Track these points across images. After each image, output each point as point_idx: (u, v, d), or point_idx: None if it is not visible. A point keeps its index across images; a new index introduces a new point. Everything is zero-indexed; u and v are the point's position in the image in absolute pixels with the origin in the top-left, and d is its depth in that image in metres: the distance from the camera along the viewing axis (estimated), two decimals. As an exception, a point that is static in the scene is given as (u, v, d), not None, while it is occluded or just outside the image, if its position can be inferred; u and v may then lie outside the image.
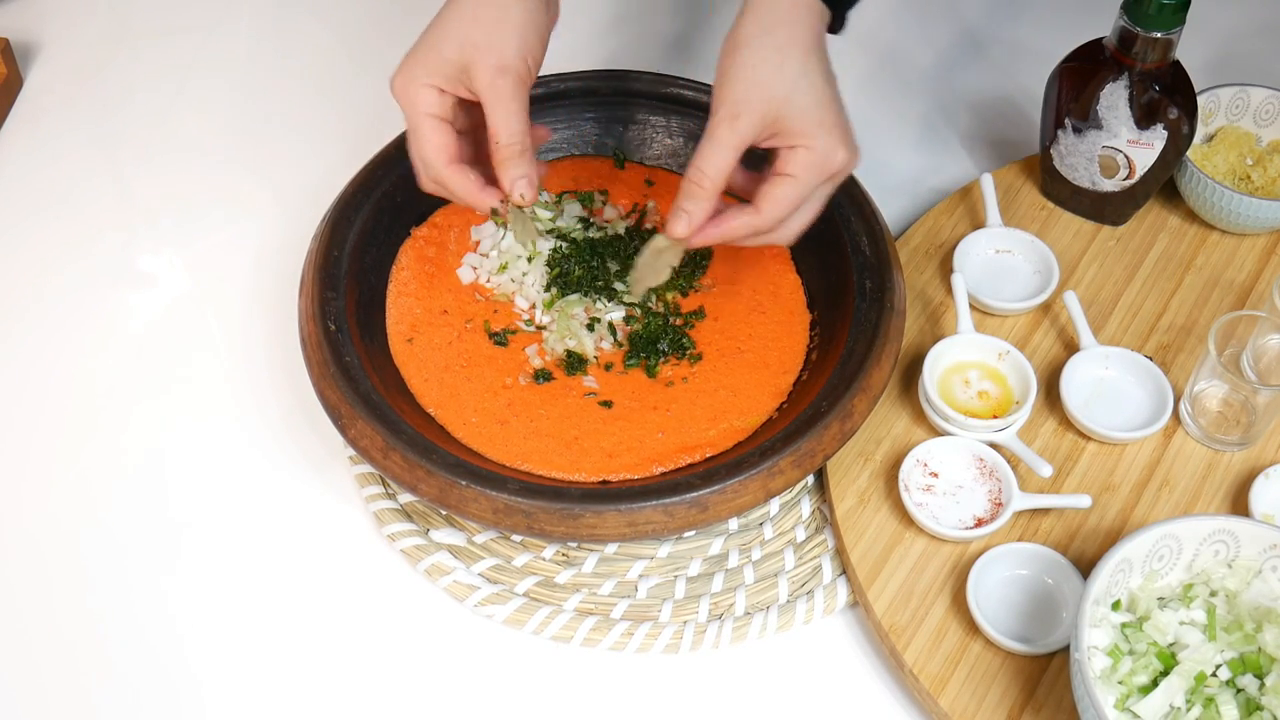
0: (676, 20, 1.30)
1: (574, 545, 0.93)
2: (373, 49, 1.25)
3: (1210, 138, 1.12)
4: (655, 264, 0.94)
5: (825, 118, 0.86)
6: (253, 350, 1.04)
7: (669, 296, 1.00)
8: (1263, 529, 0.84)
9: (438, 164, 0.89)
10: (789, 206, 0.87)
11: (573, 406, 0.94)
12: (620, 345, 0.98)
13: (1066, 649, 0.86)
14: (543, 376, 0.96)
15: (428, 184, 0.91)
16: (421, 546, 0.93)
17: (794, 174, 0.87)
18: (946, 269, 1.06)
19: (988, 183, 1.09)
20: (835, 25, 0.89)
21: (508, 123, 0.88)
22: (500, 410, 0.94)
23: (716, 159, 0.87)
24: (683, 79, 1.09)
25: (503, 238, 1.02)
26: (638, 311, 0.99)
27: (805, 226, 0.91)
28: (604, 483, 0.91)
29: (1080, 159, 1.06)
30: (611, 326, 0.98)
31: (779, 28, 0.86)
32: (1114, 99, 1.01)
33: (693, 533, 0.93)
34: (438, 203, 1.05)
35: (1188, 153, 1.05)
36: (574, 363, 0.96)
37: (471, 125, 0.92)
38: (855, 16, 0.90)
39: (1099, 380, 0.99)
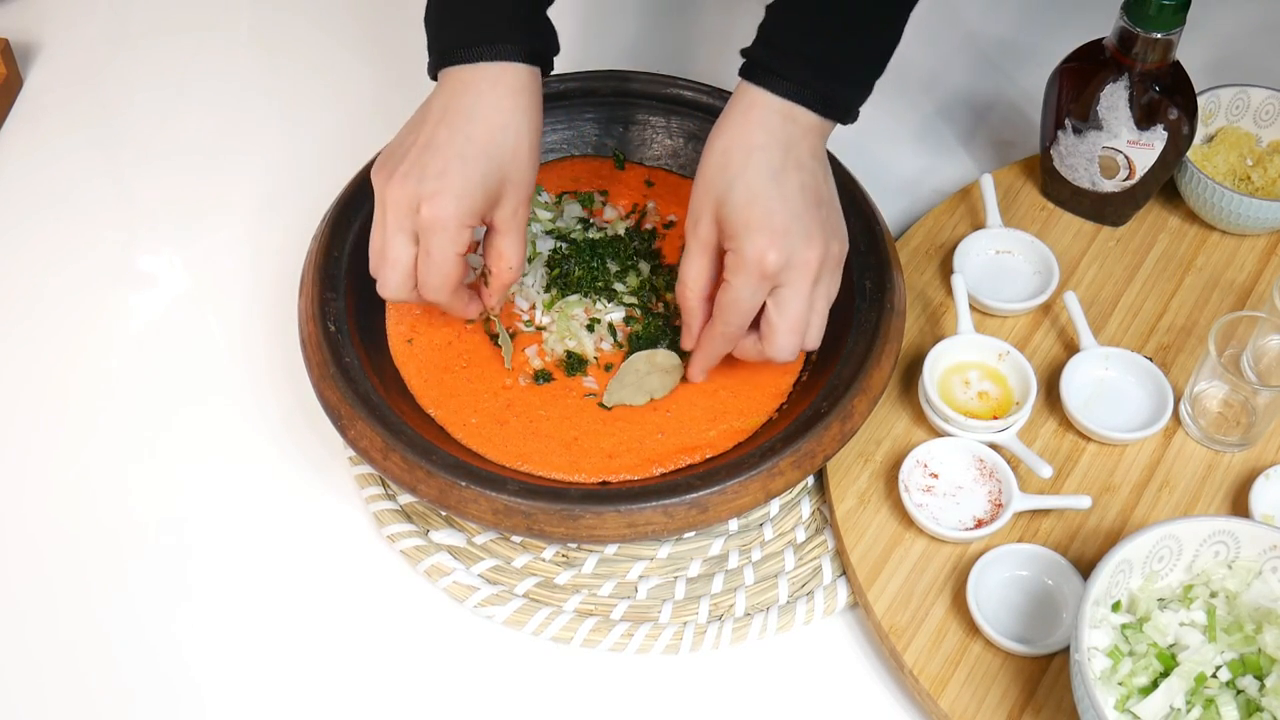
0: (676, 21, 1.30)
1: (574, 546, 0.93)
2: (373, 49, 1.26)
3: (1210, 138, 1.12)
4: (638, 384, 0.95)
5: (754, 218, 0.84)
6: (253, 351, 1.04)
7: (669, 297, 1.00)
8: (1263, 530, 0.84)
9: (447, 291, 0.89)
10: (732, 312, 0.87)
11: (572, 407, 0.94)
12: (620, 346, 0.98)
13: (1066, 650, 0.86)
14: (542, 377, 0.96)
15: (402, 294, 0.89)
16: (421, 547, 0.93)
17: (726, 277, 0.86)
18: (946, 269, 1.06)
19: (988, 183, 1.09)
20: (844, 118, 0.88)
21: (519, 251, 0.90)
22: (500, 411, 0.94)
23: (688, 266, 0.89)
24: (682, 79, 1.08)
25: None
26: (638, 312, 0.99)
27: (793, 338, 0.87)
28: (604, 484, 0.91)
29: (1080, 159, 1.06)
30: (611, 327, 0.98)
31: (730, 128, 0.86)
32: (1114, 99, 1.01)
33: (693, 534, 0.93)
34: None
35: (1188, 153, 1.05)
36: (574, 363, 0.96)
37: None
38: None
39: (1099, 381, 0.99)
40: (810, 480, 0.97)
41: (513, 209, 0.89)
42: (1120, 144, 1.03)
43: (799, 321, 0.87)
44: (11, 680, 0.88)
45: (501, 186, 0.88)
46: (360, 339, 0.94)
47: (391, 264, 0.88)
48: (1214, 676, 0.81)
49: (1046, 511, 0.93)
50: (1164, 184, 1.07)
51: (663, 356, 0.96)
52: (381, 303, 0.99)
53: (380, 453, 0.87)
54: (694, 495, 0.85)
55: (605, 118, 1.09)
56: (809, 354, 0.97)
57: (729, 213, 0.85)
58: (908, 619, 0.88)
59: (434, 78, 0.92)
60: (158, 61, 1.25)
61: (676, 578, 0.92)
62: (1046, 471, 0.92)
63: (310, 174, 1.14)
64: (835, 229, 0.88)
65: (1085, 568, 0.89)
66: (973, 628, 0.88)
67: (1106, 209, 1.09)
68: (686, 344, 0.93)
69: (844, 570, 0.93)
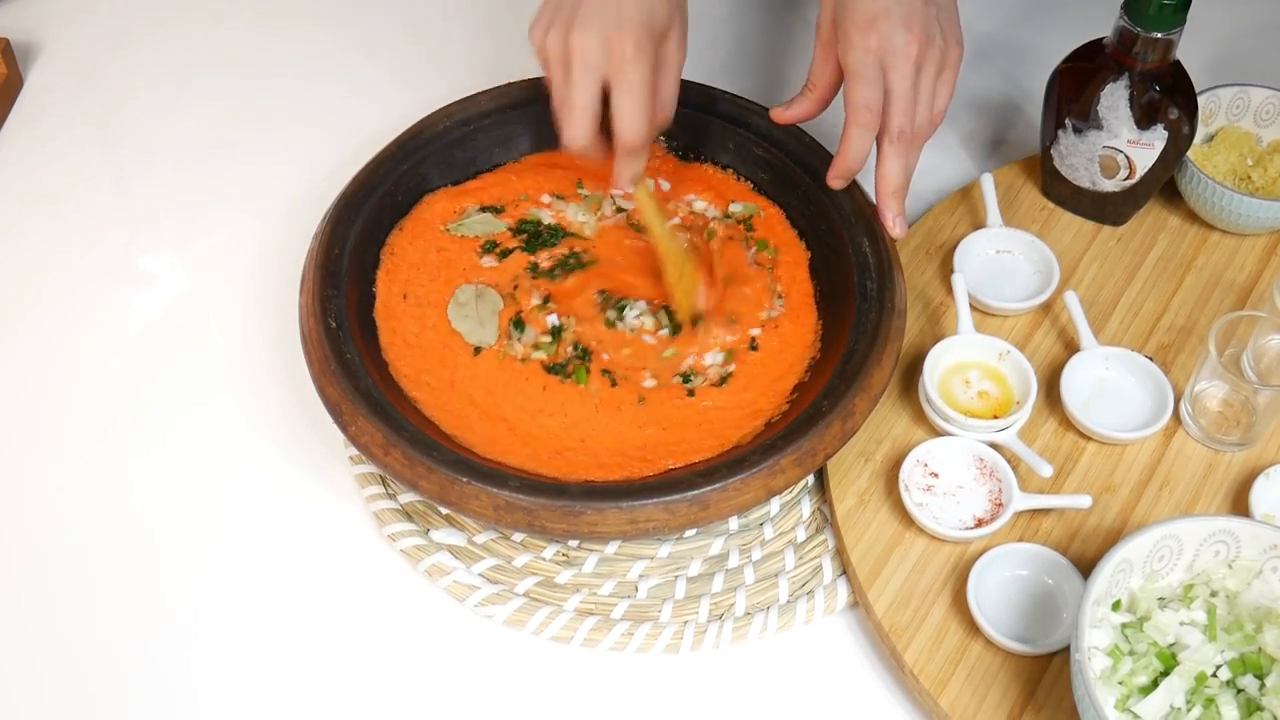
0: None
1: (574, 545, 0.93)
2: (374, 48, 1.25)
3: (1210, 138, 1.12)
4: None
5: (853, 7, 0.92)
6: (253, 350, 1.04)
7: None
8: (1263, 529, 0.84)
9: (645, 121, 0.90)
10: (851, 106, 0.94)
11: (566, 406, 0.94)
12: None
13: (1067, 649, 0.86)
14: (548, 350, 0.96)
15: (588, 137, 0.91)
16: (422, 546, 0.93)
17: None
18: (947, 269, 1.06)
19: (988, 183, 1.09)
20: None
21: (676, 90, 0.94)
22: (487, 403, 0.94)
23: (816, 68, 0.98)
24: (682, 80, 1.08)
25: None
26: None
27: (898, 119, 0.94)
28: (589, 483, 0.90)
29: (1081, 159, 1.06)
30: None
31: None
32: (1114, 99, 1.01)
33: (693, 532, 0.93)
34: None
35: (1188, 153, 1.05)
36: (580, 356, 0.96)
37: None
38: None
39: (1099, 380, 0.99)
40: (810, 479, 0.97)
41: (680, 45, 0.92)
42: (1120, 144, 1.03)
43: (905, 103, 0.92)
44: (12, 678, 0.88)
45: (669, 20, 0.90)
46: (361, 335, 0.94)
47: (581, 110, 0.90)
48: (1214, 676, 0.81)
49: (1047, 511, 0.93)
50: (1164, 184, 1.07)
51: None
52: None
53: (381, 449, 0.87)
54: (695, 492, 0.85)
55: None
56: (813, 357, 0.97)
57: (839, 11, 0.92)
58: (908, 618, 0.88)
59: None
60: (158, 61, 1.25)
61: (677, 577, 0.92)
62: (1047, 471, 0.92)
63: (311, 173, 1.14)
64: (944, 26, 0.92)
65: (1085, 567, 0.89)
66: (973, 627, 0.88)
67: (1107, 208, 1.09)
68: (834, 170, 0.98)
69: (844, 570, 0.93)
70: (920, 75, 0.93)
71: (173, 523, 0.95)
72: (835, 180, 0.99)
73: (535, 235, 1.03)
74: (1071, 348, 1.01)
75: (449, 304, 0.99)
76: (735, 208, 1.05)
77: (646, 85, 0.89)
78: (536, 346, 0.97)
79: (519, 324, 0.97)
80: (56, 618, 0.91)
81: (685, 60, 0.93)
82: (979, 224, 1.08)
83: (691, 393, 0.95)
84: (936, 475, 0.94)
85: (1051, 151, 1.08)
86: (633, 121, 0.90)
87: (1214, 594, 0.85)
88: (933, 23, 0.93)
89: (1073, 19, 1.14)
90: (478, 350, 0.96)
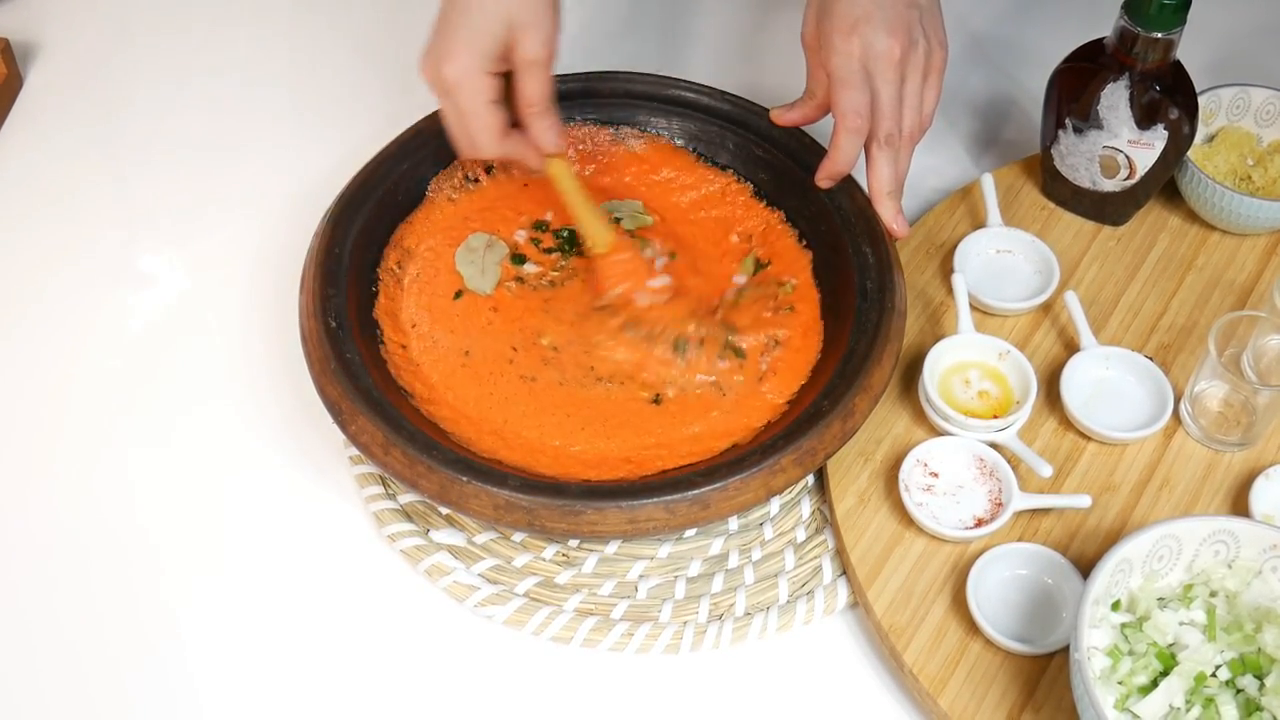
0: (677, 22, 1.30)
1: (574, 545, 0.93)
2: (373, 48, 1.26)
3: (1211, 138, 1.12)
4: None
5: (838, 11, 0.94)
6: (253, 350, 1.04)
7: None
8: (1263, 529, 0.84)
9: (495, 142, 0.92)
10: (838, 108, 0.96)
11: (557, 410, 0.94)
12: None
13: (1066, 649, 0.86)
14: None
15: (473, 153, 0.94)
16: (421, 547, 0.93)
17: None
18: (947, 269, 1.06)
19: (988, 183, 1.09)
20: None
21: (541, 87, 0.92)
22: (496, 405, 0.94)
23: (809, 76, 0.99)
24: (683, 80, 1.08)
25: None
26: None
27: (884, 123, 0.95)
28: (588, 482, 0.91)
29: (1081, 159, 1.06)
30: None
31: None
32: (1114, 99, 1.01)
33: (693, 532, 0.93)
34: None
35: (1188, 153, 1.05)
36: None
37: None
38: None
39: (1099, 380, 0.99)
40: (810, 480, 0.97)
41: (533, 54, 0.90)
42: (1121, 143, 1.03)
43: (891, 108, 0.93)
44: (12, 680, 0.88)
45: (518, 31, 0.89)
46: (361, 335, 0.94)
47: (451, 131, 0.93)
48: (1214, 676, 0.81)
49: (1046, 511, 0.93)
50: (1164, 184, 1.07)
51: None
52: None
53: (381, 448, 0.87)
54: (696, 492, 0.85)
55: (606, 119, 1.09)
56: (813, 357, 0.97)
57: (821, 17, 0.94)
58: (907, 618, 0.88)
59: None
60: (158, 60, 1.25)
61: (676, 577, 0.92)
62: (1046, 471, 0.92)
63: (311, 171, 1.14)
64: (927, 29, 0.93)
65: (1085, 567, 0.89)
66: (972, 627, 0.88)
67: (1107, 208, 1.09)
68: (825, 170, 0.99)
69: (844, 570, 0.93)
70: (905, 79, 0.93)
71: (173, 522, 0.95)
72: (823, 180, 1.00)
73: (571, 242, 1.03)
74: (1071, 348, 1.01)
75: (459, 248, 1.01)
76: None
77: (484, 110, 0.91)
78: (527, 280, 1.00)
79: (519, 258, 1.01)
80: (56, 617, 0.91)
81: (551, 62, 0.92)
82: (979, 224, 1.08)
83: (656, 400, 0.95)
84: (936, 475, 0.94)
85: (1052, 151, 1.08)
86: (476, 145, 0.92)
87: (1213, 594, 0.85)
88: (915, 26, 0.93)
89: (1073, 19, 1.14)
90: (458, 294, 0.99)
